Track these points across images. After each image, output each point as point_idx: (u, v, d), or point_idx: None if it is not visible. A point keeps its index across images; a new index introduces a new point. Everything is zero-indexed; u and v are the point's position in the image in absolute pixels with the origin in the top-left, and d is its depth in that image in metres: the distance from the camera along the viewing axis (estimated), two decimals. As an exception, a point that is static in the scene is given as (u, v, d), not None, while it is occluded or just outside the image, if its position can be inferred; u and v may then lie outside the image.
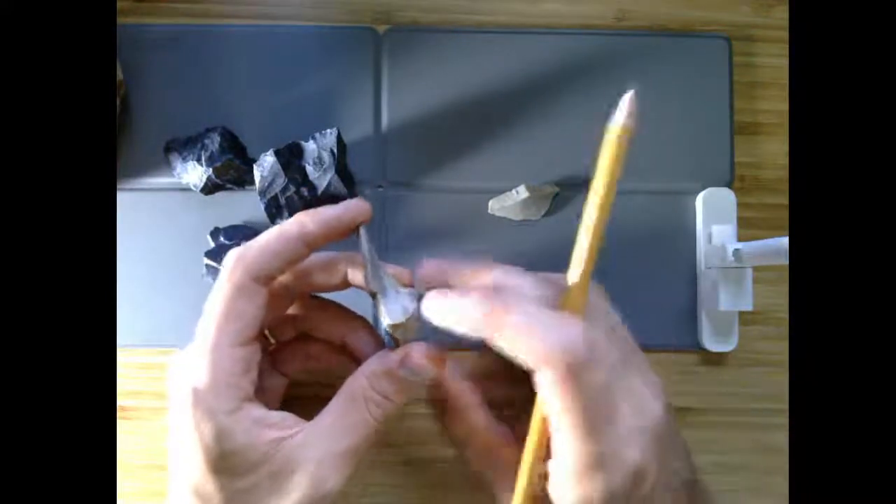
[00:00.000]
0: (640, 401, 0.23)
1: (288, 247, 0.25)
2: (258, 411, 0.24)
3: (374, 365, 0.26)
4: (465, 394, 0.26)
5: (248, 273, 0.24)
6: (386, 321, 0.25)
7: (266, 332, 0.29)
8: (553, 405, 0.21)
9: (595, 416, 0.21)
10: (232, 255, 0.24)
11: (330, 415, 0.25)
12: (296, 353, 0.30)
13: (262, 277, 0.24)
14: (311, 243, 0.25)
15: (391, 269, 0.27)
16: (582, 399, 0.21)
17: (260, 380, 0.26)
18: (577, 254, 0.24)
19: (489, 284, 0.25)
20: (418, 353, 0.25)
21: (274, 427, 0.24)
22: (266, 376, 0.28)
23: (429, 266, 0.26)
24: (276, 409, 0.26)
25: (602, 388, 0.21)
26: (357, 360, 0.28)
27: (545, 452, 0.23)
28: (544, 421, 0.23)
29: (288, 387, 0.30)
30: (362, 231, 0.26)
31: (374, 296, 0.26)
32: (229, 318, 0.24)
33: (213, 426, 0.23)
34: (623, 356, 0.23)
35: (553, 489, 0.23)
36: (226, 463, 0.23)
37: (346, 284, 0.27)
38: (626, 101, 0.23)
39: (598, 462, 0.21)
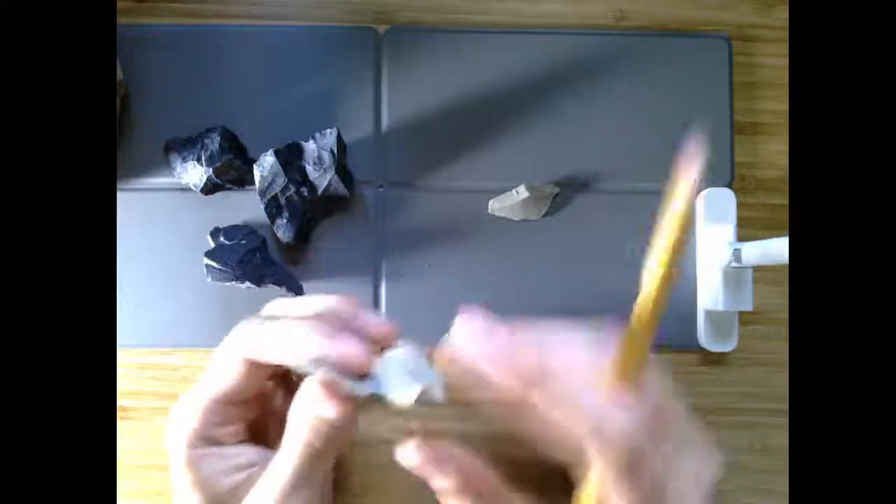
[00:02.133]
0: (698, 463, 0.22)
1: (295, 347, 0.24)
2: (229, 450, 0.26)
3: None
4: (497, 485, 0.24)
5: (242, 355, 0.25)
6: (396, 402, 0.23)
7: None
8: (608, 489, 0.21)
9: (653, 501, 0.21)
10: (238, 332, 0.25)
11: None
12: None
13: (260, 365, 0.25)
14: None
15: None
16: (640, 488, 0.20)
17: (260, 424, 0.27)
18: (639, 315, 0.22)
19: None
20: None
21: (235, 468, 0.25)
22: (271, 421, 0.29)
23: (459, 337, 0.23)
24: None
25: (660, 475, 0.21)
26: None
27: None
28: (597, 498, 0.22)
29: None
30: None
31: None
32: (215, 384, 0.25)
33: (189, 468, 0.25)
34: (679, 434, 0.22)
35: None
36: (186, 499, 0.25)
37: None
38: (696, 159, 0.21)
39: None
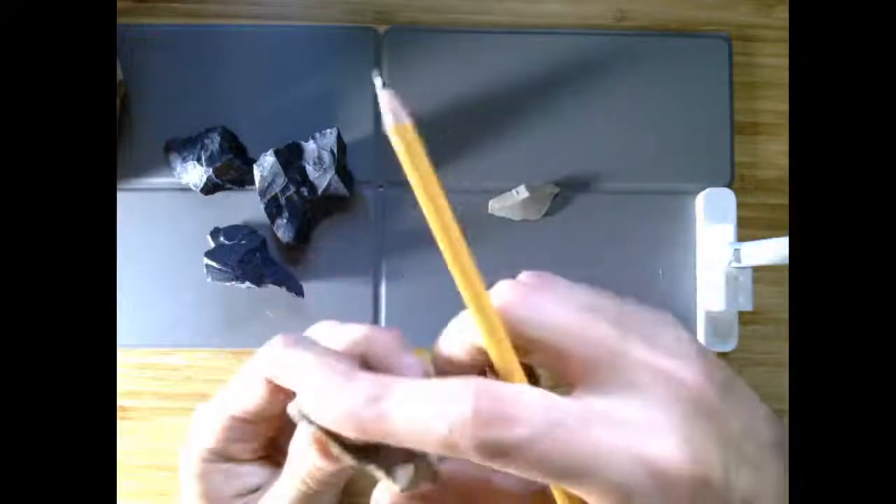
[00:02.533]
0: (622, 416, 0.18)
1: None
2: (236, 468, 0.25)
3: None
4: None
5: (263, 376, 0.24)
6: (397, 488, 0.20)
7: None
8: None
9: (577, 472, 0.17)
10: (263, 351, 0.23)
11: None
12: None
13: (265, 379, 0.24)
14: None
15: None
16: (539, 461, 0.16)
17: (282, 442, 0.26)
18: (456, 278, 0.20)
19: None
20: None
21: (244, 489, 0.25)
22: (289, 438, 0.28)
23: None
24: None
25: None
26: None
27: None
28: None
29: None
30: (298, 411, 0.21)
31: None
32: (234, 402, 0.25)
33: (194, 477, 0.25)
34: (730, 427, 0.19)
35: None
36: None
37: None
38: (384, 101, 0.19)
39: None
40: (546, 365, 0.21)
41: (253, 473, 0.26)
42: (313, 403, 0.19)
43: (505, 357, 0.19)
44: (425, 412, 0.17)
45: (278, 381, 0.23)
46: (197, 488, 0.25)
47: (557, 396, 0.18)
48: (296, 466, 0.23)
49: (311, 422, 0.20)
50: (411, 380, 0.18)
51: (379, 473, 0.20)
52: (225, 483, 0.25)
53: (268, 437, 0.26)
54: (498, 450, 0.16)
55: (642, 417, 0.18)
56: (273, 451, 0.27)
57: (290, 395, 0.23)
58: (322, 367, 0.20)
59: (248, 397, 0.24)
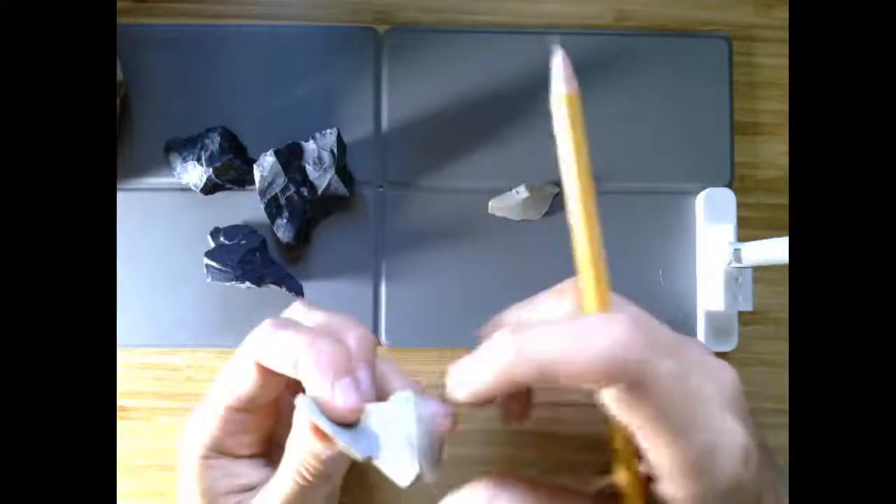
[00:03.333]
0: (713, 373, 0.21)
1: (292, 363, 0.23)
2: (233, 466, 0.26)
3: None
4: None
5: (256, 360, 0.24)
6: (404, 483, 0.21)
7: None
8: (630, 419, 0.19)
9: (682, 416, 0.19)
10: (249, 340, 0.24)
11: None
12: None
13: (259, 364, 0.24)
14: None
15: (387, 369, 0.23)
16: (660, 405, 0.19)
17: (279, 436, 0.27)
18: (581, 250, 0.22)
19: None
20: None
21: (242, 485, 0.25)
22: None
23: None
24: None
25: (675, 382, 0.19)
26: None
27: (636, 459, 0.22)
28: (626, 437, 0.21)
29: None
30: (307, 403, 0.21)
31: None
32: (231, 389, 0.25)
33: (190, 472, 0.25)
34: (670, 337, 0.21)
35: (663, 488, 0.21)
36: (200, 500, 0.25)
37: None
38: (557, 65, 0.20)
39: (701, 460, 0.19)
40: None
41: (250, 471, 0.26)
42: (463, 374, 0.21)
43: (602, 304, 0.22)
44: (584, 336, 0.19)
45: (268, 364, 0.23)
46: (195, 486, 0.25)
47: None
48: (292, 457, 0.23)
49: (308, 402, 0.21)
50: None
51: (384, 467, 0.20)
52: (222, 480, 0.25)
53: (264, 432, 0.26)
54: (644, 372, 0.19)
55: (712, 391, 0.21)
56: (269, 450, 0.27)
57: (281, 379, 0.24)
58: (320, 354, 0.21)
59: (241, 383, 0.24)
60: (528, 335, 0.20)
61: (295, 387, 0.28)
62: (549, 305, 0.24)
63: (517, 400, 0.26)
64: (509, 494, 0.21)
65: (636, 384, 0.19)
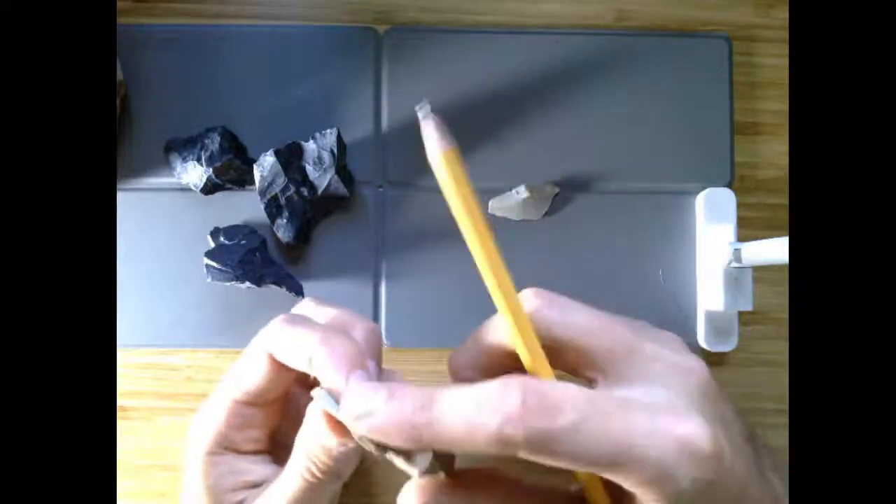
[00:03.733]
0: (673, 374, 0.20)
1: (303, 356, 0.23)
2: (238, 463, 0.25)
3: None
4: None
5: (267, 352, 0.24)
6: (416, 473, 0.21)
7: None
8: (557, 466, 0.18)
9: (609, 446, 0.18)
10: (262, 335, 0.24)
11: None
12: None
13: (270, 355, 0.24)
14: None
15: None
16: (573, 450, 0.17)
17: (284, 435, 0.26)
18: (496, 298, 0.21)
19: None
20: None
21: (247, 482, 0.25)
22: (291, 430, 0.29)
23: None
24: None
25: (581, 426, 0.18)
26: None
27: None
28: None
29: None
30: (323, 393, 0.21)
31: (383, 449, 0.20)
32: (239, 383, 0.25)
33: (194, 468, 0.25)
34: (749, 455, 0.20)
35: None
36: (209, 501, 0.25)
37: None
38: (429, 129, 0.20)
39: (656, 473, 0.18)
40: (568, 367, 0.22)
41: (256, 468, 0.26)
42: (356, 414, 0.19)
43: (536, 357, 0.21)
44: (475, 411, 0.18)
45: (281, 358, 0.23)
46: (200, 482, 0.25)
47: (590, 389, 0.19)
48: (302, 453, 0.23)
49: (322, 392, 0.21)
50: (453, 387, 0.19)
51: (398, 460, 0.20)
52: (228, 476, 0.25)
53: (270, 428, 0.26)
54: (546, 439, 0.17)
55: (665, 402, 0.20)
56: (276, 448, 0.27)
57: (290, 374, 0.24)
58: (342, 360, 0.21)
59: (251, 376, 0.24)
60: (433, 414, 0.18)
61: (302, 387, 0.28)
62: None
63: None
64: (452, 499, 0.21)
65: (537, 447, 0.18)
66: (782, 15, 0.38)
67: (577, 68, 0.37)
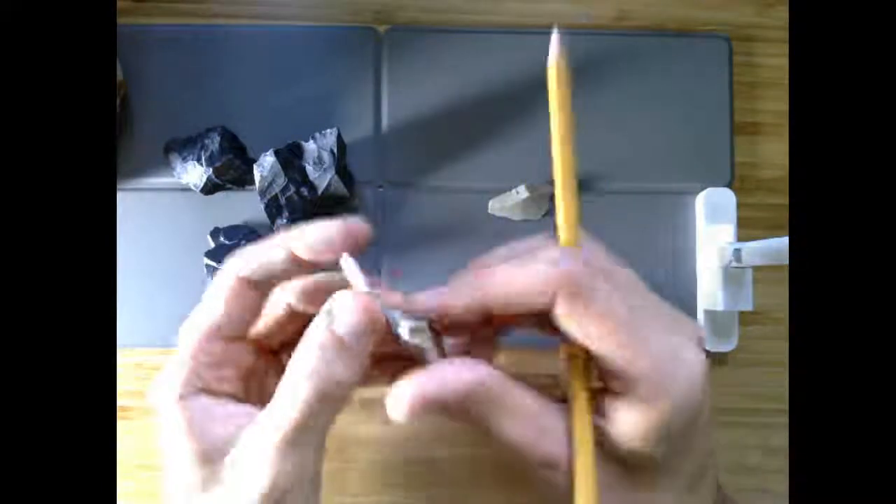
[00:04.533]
0: (673, 320, 0.23)
1: (275, 257, 0.24)
2: (212, 402, 0.23)
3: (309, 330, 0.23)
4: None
5: (234, 273, 0.24)
6: (405, 327, 0.23)
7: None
8: (578, 331, 0.21)
9: (630, 325, 0.21)
10: (230, 259, 0.24)
11: (271, 402, 0.23)
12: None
13: (251, 282, 0.24)
14: (298, 261, 0.24)
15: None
16: (603, 312, 0.21)
17: (260, 379, 0.26)
18: (560, 200, 0.24)
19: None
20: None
21: (227, 419, 0.23)
22: (266, 376, 0.28)
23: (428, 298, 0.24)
24: None
25: (614, 295, 0.21)
26: None
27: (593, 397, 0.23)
28: (582, 363, 0.23)
29: None
30: (349, 260, 0.23)
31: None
32: (207, 314, 0.24)
33: (164, 412, 0.23)
34: (624, 274, 0.23)
35: (616, 425, 0.22)
36: (177, 448, 0.23)
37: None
38: (553, 40, 0.25)
39: (660, 369, 0.21)
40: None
41: (236, 410, 0.24)
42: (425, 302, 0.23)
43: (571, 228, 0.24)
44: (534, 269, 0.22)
45: (251, 265, 0.24)
46: (180, 424, 0.23)
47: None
48: (301, 375, 0.22)
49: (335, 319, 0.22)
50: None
51: (427, 344, 0.23)
52: (207, 413, 0.23)
53: (244, 370, 0.25)
54: (591, 297, 0.21)
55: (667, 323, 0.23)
56: (249, 395, 0.25)
57: (258, 297, 0.24)
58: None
59: (218, 303, 0.24)
60: (484, 270, 0.23)
61: (272, 351, 0.27)
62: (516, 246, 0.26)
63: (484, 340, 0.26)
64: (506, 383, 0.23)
65: (574, 294, 0.21)
66: (782, 15, 0.38)
67: (578, 68, 0.37)
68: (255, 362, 0.26)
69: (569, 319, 0.21)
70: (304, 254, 0.23)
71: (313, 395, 0.22)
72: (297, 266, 0.24)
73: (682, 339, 0.22)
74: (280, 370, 0.24)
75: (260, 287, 0.24)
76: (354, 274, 0.23)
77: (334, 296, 0.22)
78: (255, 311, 0.25)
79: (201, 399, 0.24)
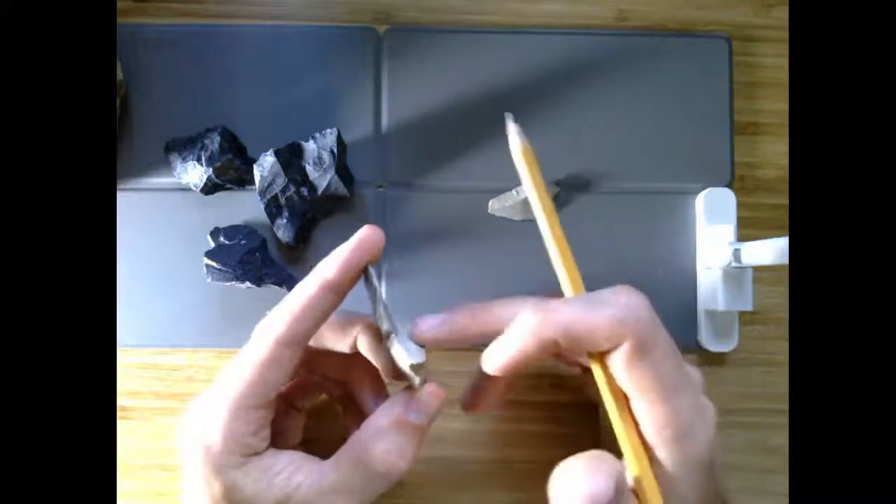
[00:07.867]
0: (690, 378, 0.24)
1: (317, 305, 0.24)
2: (267, 461, 0.24)
3: (380, 420, 0.25)
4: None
5: (280, 342, 0.24)
6: (407, 362, 0.25)
7: None
8: (631, 380, 0.22)
9: (673, 380, 0.22)
10: (262, 326, 0.25)
11: (335, 472, 0.24)
12: (306, 387, 0.31)
13: (294, 344, 0.24)
14: (338, 290, 0.25)
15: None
16: (658, 365, 0.22)
17: (278, 423, 0.26)
18: (560, 271, 0.26)
19: (496, 320, 0.26)
20: (432, 389, 0.25)
21: (282, 473, 0.24)
22: (283, 418, 0.29)
23: (425, 324, 0.27)
24: (298, 442, 0.29)
25: (670, 347, 0.23)
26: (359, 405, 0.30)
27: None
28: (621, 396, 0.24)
29: (308, 417, 0.32)
30: (371, 270, 0.26)
31: (387, 336, 0.26)
32: (255, 384, 0.24)
33: (222, 483, 0.24)
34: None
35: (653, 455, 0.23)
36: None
37: (353, 349, 0.28)
38: (511, 127, 0.27)
39: (688, 421, 0.22)
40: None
41: (279, 459, 0.25)
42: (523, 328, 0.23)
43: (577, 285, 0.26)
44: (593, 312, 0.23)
45: (285, 322, 0.24)
46: (218, 488, 0.24)
47: None
48: (375, 471, 0.24)
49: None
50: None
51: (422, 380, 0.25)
52: (263, 480, 0.24)
53: (270, 420, 0.26)
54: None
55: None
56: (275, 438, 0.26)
57: (298, 353, 0.25)
58: None
59: (266, 370, 0.24)
60: (549, 306, 0.23)
61: (288, 396, 0.30)
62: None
63: (494, 387, 0.28)
64: None
65: (642, 343, 0.22)
66: (782, 15, 0.38)
67: (577, 68, 0.37)
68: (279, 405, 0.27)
69: (627, 364, 0.22)
70: (337, 289, 0.25)
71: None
72: (336, 298, 0.25)
73: (700, 396, 0.24)
74: (286, 409, 0.29)
75: (297, 345, 0.25)
76: (375, 282, 0.26)
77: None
78: (292, 372, 0.25)
79: (256, 462, 0.24)
